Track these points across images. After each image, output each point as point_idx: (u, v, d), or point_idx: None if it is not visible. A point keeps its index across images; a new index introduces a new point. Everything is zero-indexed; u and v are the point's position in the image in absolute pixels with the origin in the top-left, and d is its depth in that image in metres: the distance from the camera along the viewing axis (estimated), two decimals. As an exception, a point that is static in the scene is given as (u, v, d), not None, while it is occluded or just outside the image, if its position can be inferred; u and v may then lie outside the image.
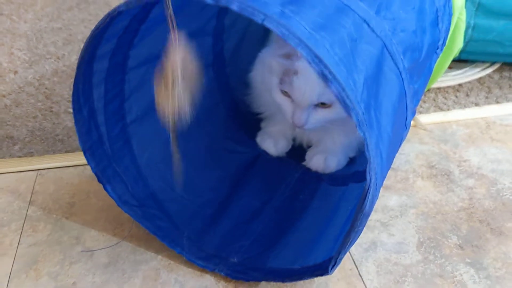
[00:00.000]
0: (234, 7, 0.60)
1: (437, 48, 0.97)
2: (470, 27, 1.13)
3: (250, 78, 0.95)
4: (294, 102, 0.84)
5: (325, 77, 0.58)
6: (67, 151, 1.04)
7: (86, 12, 1.53)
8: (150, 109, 0.91)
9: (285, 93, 0.84)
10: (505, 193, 0.95)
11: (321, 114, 0.84)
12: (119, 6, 0.66)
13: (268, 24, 0.59)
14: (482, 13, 1.11)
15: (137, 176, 0.87)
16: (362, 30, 0.69)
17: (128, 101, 0.88)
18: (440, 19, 0.96)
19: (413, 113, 0.83)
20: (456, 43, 1.10)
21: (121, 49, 0.81)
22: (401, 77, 0.73)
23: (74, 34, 1.42)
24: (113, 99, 0.85)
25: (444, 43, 1.02)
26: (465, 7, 1.08)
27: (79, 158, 0.99)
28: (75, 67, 1.31)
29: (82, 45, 1.39)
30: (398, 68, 0.73)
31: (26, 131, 1.08)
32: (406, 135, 0.82)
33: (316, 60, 0.59)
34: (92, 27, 1.43)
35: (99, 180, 0.83)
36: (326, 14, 0.66)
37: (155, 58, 0.91)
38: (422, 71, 0.86)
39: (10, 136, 1.07)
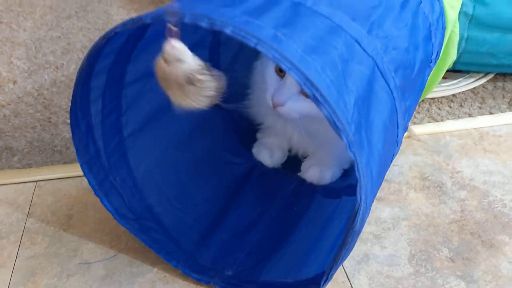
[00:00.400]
0: (228, 31, 0.61)
1: (430, 62, 0.98)
2: (464, 39, 1.14)
3: (255, 66, 0.95)
4: (282, 81, 0.84)
5: (317, 99, 0.60)
6: (65, 162, 1.05)
7: (85, 20, 1.54)
8: (147, 123, 0.93)
9: (278, 72, 0.85)
10: (496, 205, 0.96)
11: (302, 104, 0.83)
12: (116, 27, 0.68)
13: (260, 48, 0.60)
14: (475, 25, 1.12)
15: (133, 188, 0.89)
16: (353, 50, 0.70)
17: (125, 115, 0.89)
18: (433, 34, 0.97)
19: (405, 129, 0.85)
20: (450, 56, 1.11)
21: (119, 64, 0.82)
22: (392, 95, 0.75)
23: (72, 43, 1.43)
24: (110, 113, 0.87)
25: (437, 56, 1.04)
26: (458, 20, 1.10)
27: (77, 169, 0.99)
28: (73, 77, 1.32)
29: (80, 54, 1.41)
30: (389, 87, 0.74)
31: (25, 142, 1.10)
32: (398, 151, 0.83)
33: (308, 83, 0.60)
34: (91, 35, 1.46)
35: (96, 194, 0.84)
36: (318, 36, 0.67)
37: (151, 73, 0.92)
38: (414, 87, 0.88)
39: (9, 147, 1.08)
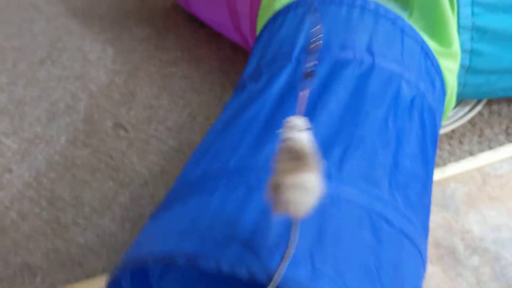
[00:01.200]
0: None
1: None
2: (461, 85, 1.13)
3: None
4: None
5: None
6: (87, 276, 1.06)
7: (60, 65, 1.47)
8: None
9: None
10: (508, 271, 1.01)
11: None
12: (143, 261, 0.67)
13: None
14: (472, 73, 1.11)
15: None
16: (382, 233, 0.71)
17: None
18: (437, 117, 0.97)
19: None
20: (450, 107, 1.11)
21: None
22: (420, 253, 0.77)
23: (55, 102, 1.38)
24: None
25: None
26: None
27: (100, 284, 1.02)
28: (67, 153, 1.29)
29: (67, 119, 1.36)
30: (418, 248, 0.76)
31: (41, 255, 1.10)
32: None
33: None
34: (70, 86, 1.41)
35: None
36: (348, 237, 0.68)
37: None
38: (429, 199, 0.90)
39: (27, 263, 1.09)
